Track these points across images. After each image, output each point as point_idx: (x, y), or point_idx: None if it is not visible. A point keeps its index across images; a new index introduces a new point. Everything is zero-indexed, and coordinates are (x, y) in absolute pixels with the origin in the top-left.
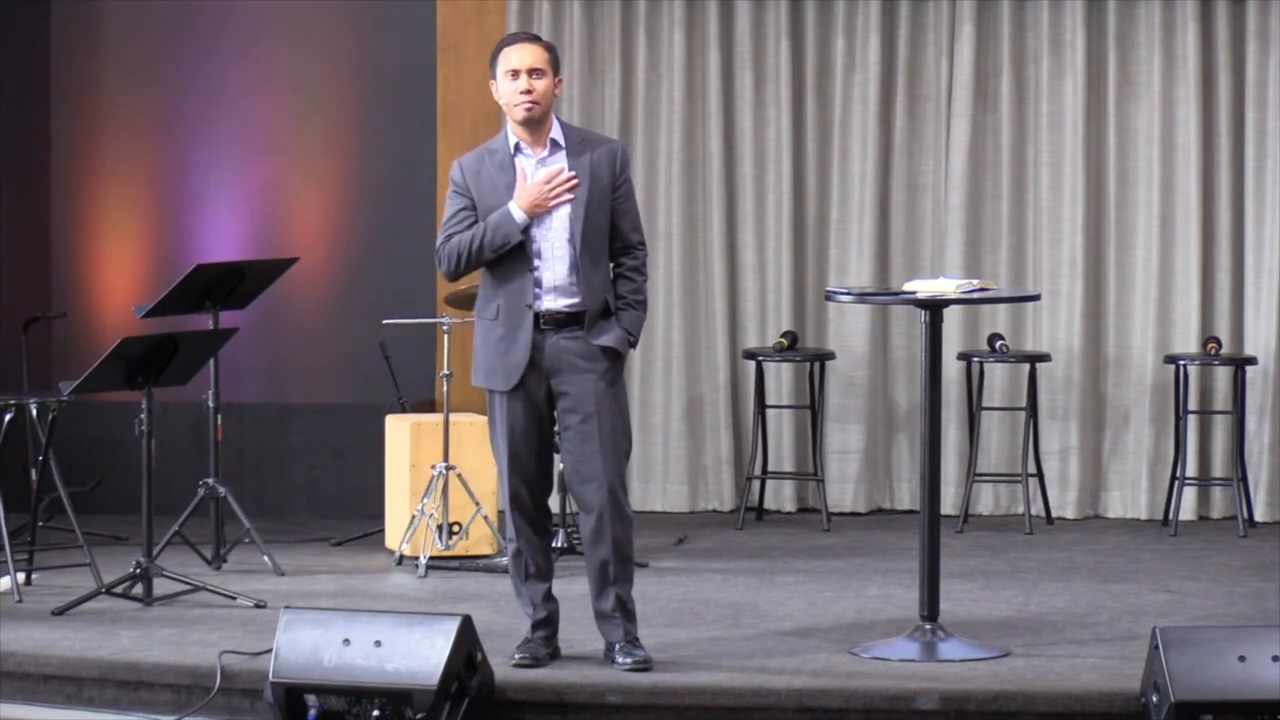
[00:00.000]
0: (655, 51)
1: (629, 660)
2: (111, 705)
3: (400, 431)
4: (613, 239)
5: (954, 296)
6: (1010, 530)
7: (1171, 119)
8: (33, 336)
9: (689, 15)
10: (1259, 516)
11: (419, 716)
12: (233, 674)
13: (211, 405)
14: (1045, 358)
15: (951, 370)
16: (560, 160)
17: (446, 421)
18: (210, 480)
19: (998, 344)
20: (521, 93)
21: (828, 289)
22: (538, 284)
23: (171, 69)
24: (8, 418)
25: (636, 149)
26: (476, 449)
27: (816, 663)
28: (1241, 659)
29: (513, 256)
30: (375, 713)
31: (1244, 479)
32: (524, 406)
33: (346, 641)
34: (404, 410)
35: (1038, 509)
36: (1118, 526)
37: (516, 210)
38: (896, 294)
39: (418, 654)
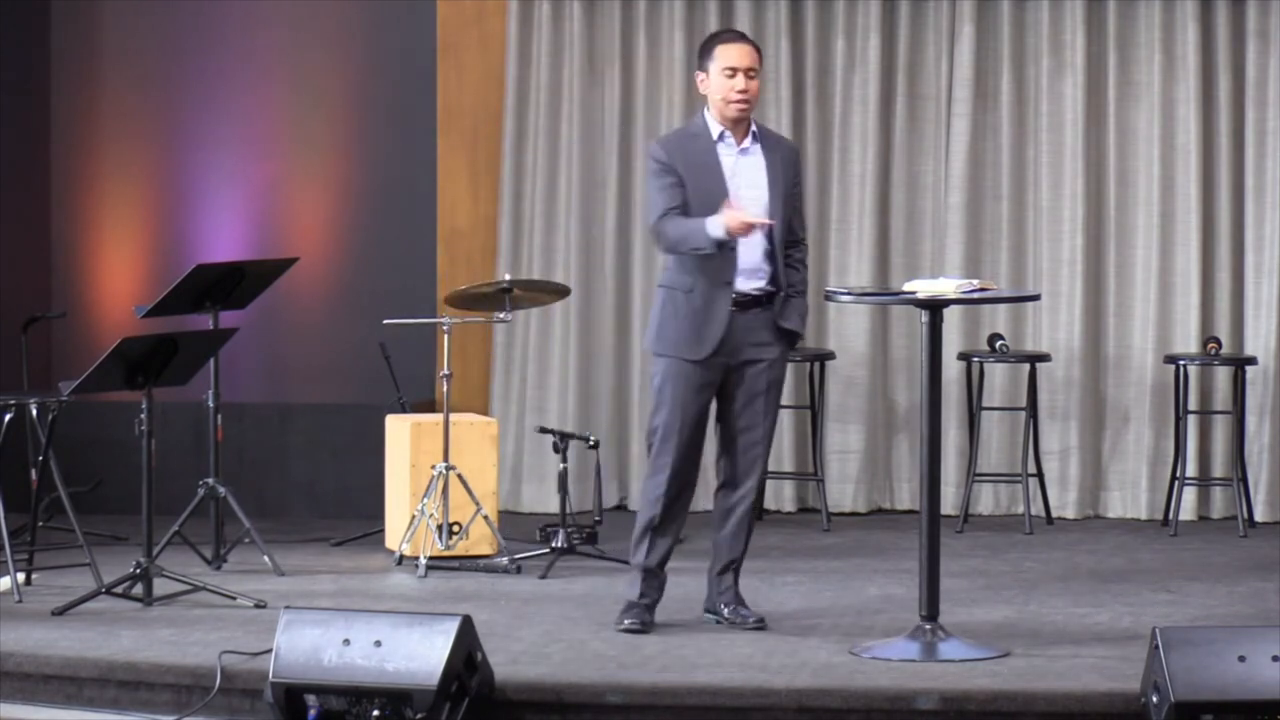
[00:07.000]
0: (655, 51)
1: (741, 615)
2: (111, 705)
3: (400, 431)
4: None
5: (954, 296)
6: (1010, 530)
7: (1171, 119)
8: (33, 336)
9: (689, 15)
10: (1259, 516)
11: (419, 716)
12: (233, 674)
13: (211, 405)
14: (1045, 358)
15: (951, 370)
16: (758, 153)
17: (446, 421)
18: (210, 480)
19: (998, 344)
20: (738, 92)
21: (828, 289)
22: (735, 266)
23: (171, 69)
24: (8, 418)
25: (636, 149)
26: (476, 449)
27: (816, 663)
28: (1241, 659)
29: None
30: (375, 713)
31: (1244, 479)
32: (703, 377)
33: (346, 641)
34: (404, 410)
35: (1038, 509)
36: (1118, 526)
37: (715, 228)
38: (896, 294)
39: (418, 654)
